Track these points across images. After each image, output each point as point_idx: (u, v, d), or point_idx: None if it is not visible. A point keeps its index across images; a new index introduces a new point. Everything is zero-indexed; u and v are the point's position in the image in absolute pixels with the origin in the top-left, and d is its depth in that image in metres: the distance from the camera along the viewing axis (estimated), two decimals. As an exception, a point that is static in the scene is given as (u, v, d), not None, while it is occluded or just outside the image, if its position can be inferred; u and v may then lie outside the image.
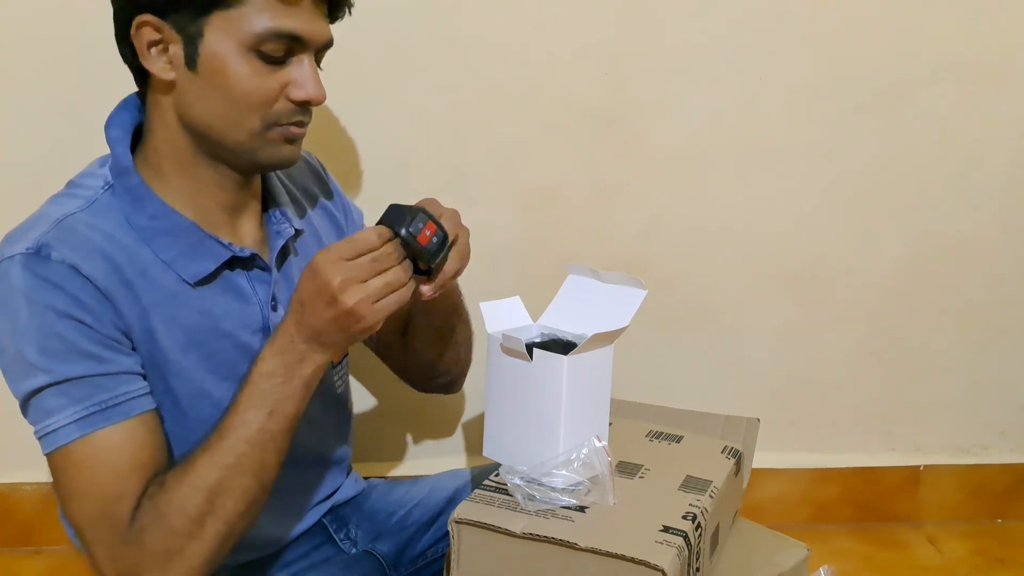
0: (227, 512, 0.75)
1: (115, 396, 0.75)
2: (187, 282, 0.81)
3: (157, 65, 0.78)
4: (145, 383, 0.78)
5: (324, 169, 1.04)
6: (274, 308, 0.87)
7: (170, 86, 0.79)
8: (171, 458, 0.81)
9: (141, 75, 0.81)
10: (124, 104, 0.85)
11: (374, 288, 0.74)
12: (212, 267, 0.82)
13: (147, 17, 0.76)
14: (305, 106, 0.80)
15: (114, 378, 0.75)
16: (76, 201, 0.79)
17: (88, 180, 0.82)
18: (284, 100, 0.79)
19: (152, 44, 0.77)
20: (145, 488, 0.74)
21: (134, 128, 0.83)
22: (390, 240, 0.76)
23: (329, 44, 0.82)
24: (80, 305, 0.74)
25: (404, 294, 0.77)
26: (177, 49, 0.77)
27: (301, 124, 0.82)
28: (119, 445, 0.74)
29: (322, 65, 0.83)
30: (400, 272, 0.76)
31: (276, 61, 0.77)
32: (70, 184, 0.83)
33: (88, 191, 0.80)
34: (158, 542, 0.73)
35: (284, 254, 0.91)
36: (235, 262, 0.85)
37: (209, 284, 0.83)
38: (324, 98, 0.80)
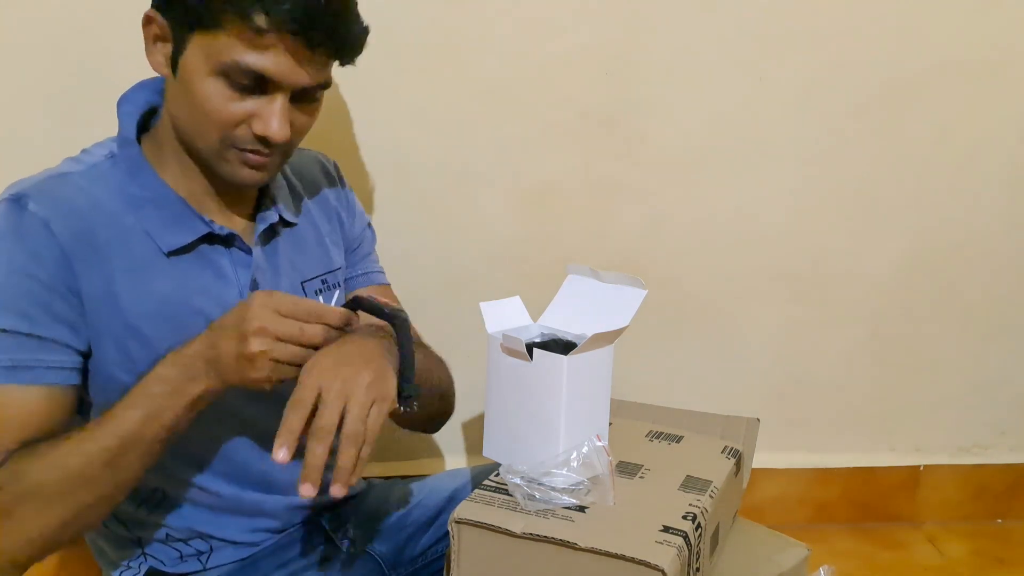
0: (76, 499, 0.75)
1: (30, 359, 0.77)
2: (163, 252, 0.83)
3: (156, 59, 0.81)
4: (73, 358, 0.80)
5: (338, 171, 1.06)
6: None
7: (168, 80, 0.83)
8: None
9: None
10: (141, 85, 0.88)
11: (281, 351, 0.74)
12: (188, 240, 0.84)
13: (155, 13, 0.80)
14: (265, 140, 0.80)
15: (37, 342, 0.77)
16: (79, 166, 0.84)
17: (97, 149, 0.87)
18: (246, 127, 0.80)
19: (157, 38, 0.81)
20: (19, 448, 0.76)
21: (148, 108, 0.87)
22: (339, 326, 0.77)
23: (321, 86, 0.82)
24: (37, 260, 0.77)
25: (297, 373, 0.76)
26: (169, 50, 0.80)
27: (260, 153, 0.82)
28: (13, 403, 0.77)
29: (318, 96, 0.84)
30: (310, 353, 0.75)
31: (246, 89, 0.78)
32: (82, 151, 0.87)
33: (93, 158, 0.85)
34: (5, 499, 0.74)
35: (271, 240, 0.92)
36: (214, 239, 0.87)
37: (186, 256, 0.85)
38: (284, 139, 0.80)
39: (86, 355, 0.81)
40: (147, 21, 0.80)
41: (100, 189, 0.82)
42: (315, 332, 0.75)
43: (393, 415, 0.77)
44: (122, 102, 0.87)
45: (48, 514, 0.75)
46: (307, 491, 0.70)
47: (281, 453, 0.70)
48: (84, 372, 0.82)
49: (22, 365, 0.77)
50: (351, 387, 0.72)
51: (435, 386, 0.97)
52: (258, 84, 0.78)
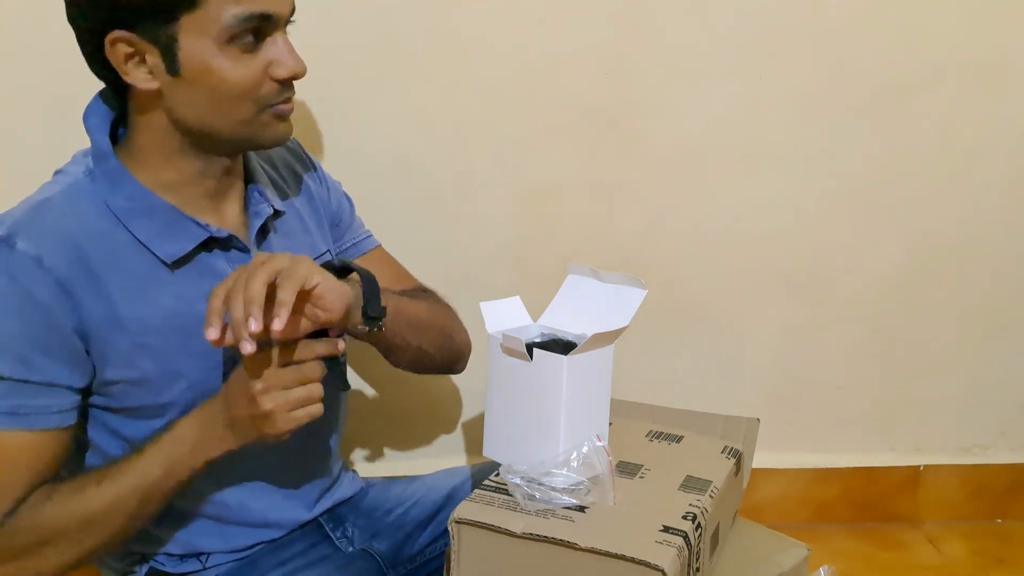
0: (94, 539, 0.80)
1: (32, 406, 0.77)
2: (164, 263, 0.83)
3: (138, 77, 0.79)
4: (72, 398, 0.80)
5: (303, 149, 1.05)
6: None
7: (156, 94, 0.80)
8: (136, 440, 0.83)
9: (119, 89, 0.82)
10: (102, 94, 0.86)
11: (294, 397, 0.78)
12: (189, 247, 0.84)
13: (118, 33, 0.76)
14: (289, 82, 0.82)
15: (37, 388, 0.77)
16: (57, 187, 0.82)
17: (71, 167, 0.85)
18: (269, 81, 0.80)
19: (129, 57, 0.78)
20: (32, 490, 0.79)
21: (115, 116, 0.85)
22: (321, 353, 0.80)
23: (293, 12, 0.83)
24: (32, 301, 0.76)
25: (317, 410, 0.80)
26: (155, 59, 0.77)
27: (287, 100, 0.83)
28: (22, 448, 0.78)
29: (288, 31, 0.84)
30: (317, 388, 0.80)
31: (251, 46, 0.79)
32: (56, 172, 0.86)
33: (69, 177, 0.83)
34: (26, 542, 0.78)
35: (264, 234, 0.92)
36: (213, 243, 0.86)
37: (186, 266, 0.84)
38: (305, 69, 0.82)
39: (85, 390, 0.81)
40: (111, 44, 0.76)
41: (85, 207, 0.80)
42: (313, 367, 0.79)
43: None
44: (88, 115, 0.84)
45: (68, 552, 0.80)
46: (245, 348, 0.71)
47: (210, 332, 0.72)
48: (83, 408, 0.83)
49: (22, 412, 0.77)
50: (268, 262, 0.74)
51: (417, 318, 0.98)
52: (257, 33, 0.78)
